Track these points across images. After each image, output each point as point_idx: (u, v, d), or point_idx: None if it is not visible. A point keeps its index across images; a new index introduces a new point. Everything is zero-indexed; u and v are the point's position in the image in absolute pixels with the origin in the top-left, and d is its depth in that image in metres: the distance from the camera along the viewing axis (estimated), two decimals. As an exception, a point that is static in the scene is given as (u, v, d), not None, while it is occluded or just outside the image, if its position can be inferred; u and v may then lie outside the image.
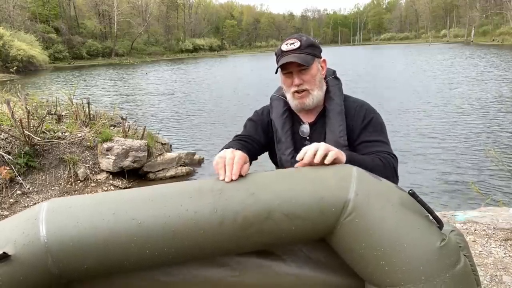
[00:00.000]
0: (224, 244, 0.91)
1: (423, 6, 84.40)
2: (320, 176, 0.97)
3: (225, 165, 0.99)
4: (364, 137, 1.31)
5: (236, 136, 1.41)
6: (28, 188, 4.78)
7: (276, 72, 1.35)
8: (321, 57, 1.37)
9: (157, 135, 6.85)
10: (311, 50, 1.31)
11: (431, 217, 0.94)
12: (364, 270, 0.93)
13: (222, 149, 1.21)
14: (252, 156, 1.34)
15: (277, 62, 1.34)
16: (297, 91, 1.32)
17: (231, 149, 1.08)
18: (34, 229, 0.86)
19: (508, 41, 45.24)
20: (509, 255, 2.23)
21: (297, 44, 1.30)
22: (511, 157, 6.11)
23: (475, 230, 2.55)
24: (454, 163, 6.00)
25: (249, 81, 20.67)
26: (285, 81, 1.35)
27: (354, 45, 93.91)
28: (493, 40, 49.86)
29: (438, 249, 0.88)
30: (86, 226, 0.87)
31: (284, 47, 1.31)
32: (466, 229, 2.58)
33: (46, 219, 0.87)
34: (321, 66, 1.37)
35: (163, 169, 5.92)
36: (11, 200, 4.58)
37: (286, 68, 1.31)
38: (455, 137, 7.43)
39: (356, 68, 23.09)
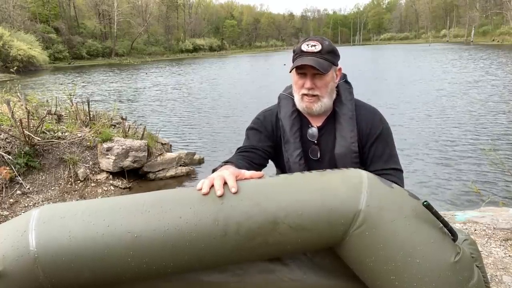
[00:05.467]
0: (226, 257, 0.87)
1: (423, 6, 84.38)
2: (329, 184, 0.91)
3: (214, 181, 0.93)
4: (374, 150, 1.31)
5: (239, 148, 1.36)
6: (28, 188, 4.78)
7: (290, 71, 1.30)
8: (337, 65, 1.33)
9: (157, 135, 6.85)
10: (331, 57, 1.27)
11: (445, 229, 0.90)
12: (373, 283, 0.89)
13: (220, 164, 1.18)
14: (260, 166, 1.31)
15: (293, 60, 1.30)
16: (306, 94, 1.28)
17: (217, 171, 1.03)
18: (24, 242, 0.80)
19: (508, 41, 45.24)
20: (509, 255, 2.23)
21: (319, 47, 1.25)
22: (511, 157, 6.11)
23: (475, 230, 2.55)
24: (454, 163, 6.00)
25: (248, 80, 20.68)
26: (297, 81, 1.30)
27: (354, 45, 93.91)
28: (493, 40, 49.87)
29: (452, 265, 0.84)
30: (79, 239, 0.81)
31: (305, 47, 1.27)
32: (466, 229, 2.58)
33: (36, 231, 0.82)
34: (336, 74, 1.33)
35: (163, 169, 5.92)
36: (11, 200, 4.57)
37: (301, 69, 1.27)
38: (455, 137, 7.43)
39: (357, 68, 23.08)
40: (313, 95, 1.28)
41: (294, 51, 1.32)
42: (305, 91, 1.28)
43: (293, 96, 1.37)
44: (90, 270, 0.82)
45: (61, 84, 16.51)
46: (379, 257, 0.85)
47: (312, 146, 1.35)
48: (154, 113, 11.87)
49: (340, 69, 1.36)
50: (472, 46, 45.38)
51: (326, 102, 1.30)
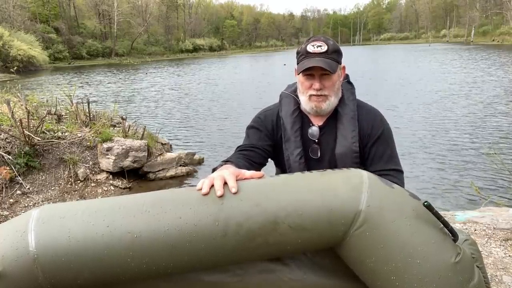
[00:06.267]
0: (226, 257, 0.87)
1: (423, 6, 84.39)
2: (329, 184, 0.91)
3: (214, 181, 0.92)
4: (375, 151, 1.31)
5: (238, 147, 1.36)
6: (28, 188, 4.78)
7: (298, 73, 1.29)
8: (341, 63, 1.33)
9: (157, 135, 6.85)
10: (336, 56, 1.28)
11: (445, 230, 0.90)
12: (373, 283, 0.89)
13: (220, 164, 1.18)
14: (259, 165, 1.31)
15: (299, 61, 1.29)
16: (315, 95, 1.28)
17: (217, 171, 1.02)
18: (23, 242, 0.80)
19: (508, 41, 45.24)
20: (509, 255, 2.23)
21: (325, 47, 1.25)
22: (511, 157, 6.11)
23: (475, 230, 2.55)
24: (454, 163, 6.00)
25: (248, 80, 20.68)
26: (304, 82, 1.30)
27: (354, 45, 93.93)
28: (493, 40, 49.87)
29: (453, 265, 0.84)
30: (79, 239, 0.81)
31: (311, 48, 1.26)
32: (466, 229, 2.57)
33: (35, 231, 0.81)
34: (340, 72, 1.34)
35: (163, 169, 5.92)
36: (11, 200, 4.57)
37: (309, 70, 1.26)
38: (456, 138, 7.43)
39: (357, 68, 23.08)
40: (321, 95, 1.28)
41: (298, 52, 1.31)
42: (313, 92, 1.28)
43: (295, 95, 1.37)
44: (89, 271, 0.81)
45: (58, 84, 16.49)
46: (380, 258, 0.85)
47: (313, 145, 1.35)
48: (154, 113, 11.87)
49: (344, 67, 1.36)
50: (472, 46, 45.38)
51: (333, 100, 1.31)
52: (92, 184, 5.27)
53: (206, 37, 71.56)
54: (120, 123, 6.49)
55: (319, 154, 1.34)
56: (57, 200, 4.81)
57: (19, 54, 31.02)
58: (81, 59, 47.07)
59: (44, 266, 0.79)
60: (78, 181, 5.20)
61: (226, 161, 1.22)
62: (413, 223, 0.86)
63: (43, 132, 5.36)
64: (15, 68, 15.12)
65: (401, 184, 1.25)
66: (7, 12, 39.51)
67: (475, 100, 11.07)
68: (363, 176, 0.93)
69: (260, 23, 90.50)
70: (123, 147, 5.49)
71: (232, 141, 7.79)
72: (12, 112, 5.06)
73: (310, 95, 1.29)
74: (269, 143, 1.37)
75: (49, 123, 5.74)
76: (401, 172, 1.31)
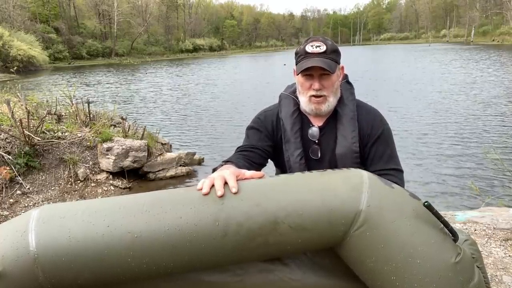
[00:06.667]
0: (226, 257, 0.87)
1: (423, 6, 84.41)
2: (329, 184, 0.91)
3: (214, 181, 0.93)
4: (375, 151, 1.31)
5: (239, 148, 1.36)
6: (28, 188, 4.78)
7: (298, 74, 1.29)
8: (340, 63, 1.33)
9: (157, 135, 6.85)
10: (335, 56, 1.28)
11: (446, 230, 0.90)
12: (373, 283, 0.89)
13: (221, 164, 1.18)
14: (259, 165, 1.32)
15: (298, 61, 1.29)
16: (314, 96, 1.28)
17: (217, 171, 1.03)
18: (23, 242, 0.80)
19: (508, 41, 45.25)
20: (509, 255, 2.23)
21: (323, 48, 1.26)
22: (511, 157, 6.11)
23: (475, 230, 2.55)
24: (454, 163, 6.00)
25: (248, 80, 20.68)
26: (303, 83, 1.30)
27: (354, 45, 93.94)
28: (493, 40, 49.89)
29: (453, 265, 0.84)
30: (79, 239, 0.81)
31: (309, 49, 1.27)
32: (466, 229, 2.58)
33: (35, 231, 0.81)
34: (339, 73, 1.34)
35: (163, 169, 5.92)
36: (11, 200, 4.57)
37: (308, 70, 1.26)
38: (456, 137, 7.43)
39: (357, 68, 23.09)
40: (321, 96, 1.28)
41: (297, 53, 1.32)
42: (313, 92, 1.28)
43: (294, 96, 1.38)
44: (90, 271, 0.81)
45: (58, 84, 16.48)
46: (380, 258, 0.85)
47: (313, 145, 1.35)
48: (154, 113, 11.87)
49: (342, 67, 1.36)
50: (472, 46, 45.38)
51: (332, 101, 1.31)
52: (92, 184, 5.27)
53: (206, 37, 71.56)
54: (120, 123, 6.49)
55: (319, 155, 1.35)
56: (57, 200, 4.81)
57: (19, 54, 31.02)
58: (81, 59, 47.06)
59: (44, 266, 0.79)
60: (78, 181, 5.20)
61: (226, 161, 1.22)
62: (413, 223, 0.86)
63: (43, 132, 5.36)
64: (15, 68, 15.12)
65: (402, 183, 1.25)
66: (7, 12, 39.50)
67: (475, 100, 11.07)
68: (363, 176, 0.93)
69: (260, 23, 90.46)
70: (123, 147, 5.49)
71: (232, 141, 7.79)
72: (12, 112, 5.06)
73: (310, 96, 1.29)
74: (269, 143, 1.38)
75: (49, 123, 5.74)
76: (401, 171, 1.32)
